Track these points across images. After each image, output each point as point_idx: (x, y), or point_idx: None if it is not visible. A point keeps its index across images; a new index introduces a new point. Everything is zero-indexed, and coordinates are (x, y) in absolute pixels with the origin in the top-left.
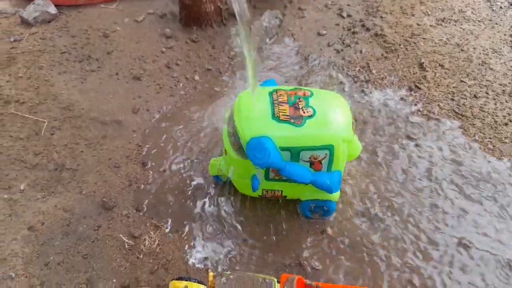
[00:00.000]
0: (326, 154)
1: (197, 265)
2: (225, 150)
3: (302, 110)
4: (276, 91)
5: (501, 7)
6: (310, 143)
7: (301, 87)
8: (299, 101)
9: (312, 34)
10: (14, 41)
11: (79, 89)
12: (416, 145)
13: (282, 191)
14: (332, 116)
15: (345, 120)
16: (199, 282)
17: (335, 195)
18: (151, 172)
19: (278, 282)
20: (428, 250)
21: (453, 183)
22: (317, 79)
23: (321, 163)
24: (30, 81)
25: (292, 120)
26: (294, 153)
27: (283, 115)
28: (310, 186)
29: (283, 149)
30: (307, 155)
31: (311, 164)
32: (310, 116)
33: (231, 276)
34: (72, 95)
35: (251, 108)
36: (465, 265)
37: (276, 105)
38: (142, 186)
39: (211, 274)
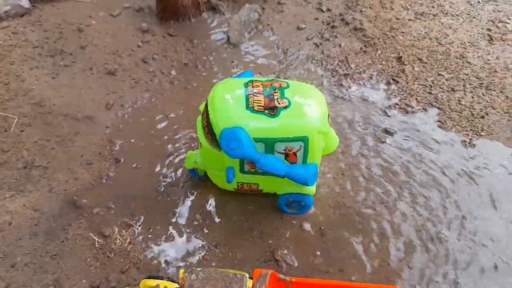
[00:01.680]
0: (300, 146)
1: (169, 264)
2: (200, 142)
3: (277, 101)
4: (251, 82)
5: (479, 1)
6: (284, 134)
7: (277, 79)
8: (275, 92)
9: (291, 28)
10: None
11: (51, 84)
12: (393, 139)
13: (258, 185)
14: (307, 108)
15: (320, 112)
16: (170, 280)
17: (312, 189)
18: (123, 168)
19: (250, 277)
20: (407, 243)
21: (427, 174)
22: (295, 73)
23: (296, 155)
24: (0, 76)
25: (266, 111)
26: (269, 144)
27: (257, 105)
28: (286, 180)
29: (257, 140)
30: (281, 147)
31: (286, 156)
32: (285, 108)
33: (201, 273)
34: (44, 90)
35: (225, 99)
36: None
37: (251, 96)
38: (114, 183)
39: (181, 271)
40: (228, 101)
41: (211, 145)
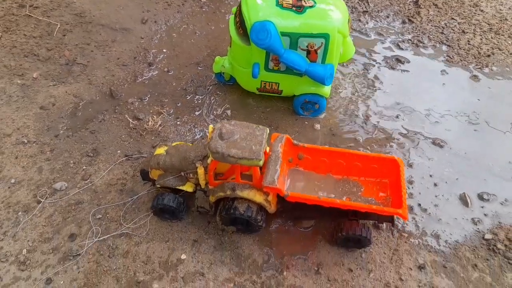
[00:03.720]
0: (322, 43)
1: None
2: (231, 41)
3: (304, 1)
4: None
5: None
6: (308, 30)
7: None
8: None
9: None
10: None
11: (90, 0)
12: (403, 69)
13: (279, 84)
14: (330, 10)
15: (341, 16)
16: None
17: (326, 91)
18: (156, 71)
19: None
20: (400, 141)
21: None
22: None
23: (317, 53)
24: None
25: (294, 8)
26: (293, 38)
27: (286, 3)
28: (304, 80)
29: (284, 34)
30: (304, 43)
31: (308, 53)
32: (311, 7)
33: (228, 124)
34: (84, 4)
35: None
36: None
37: None
38: (147, 82)
39: (211, 126)
40: None
41: (241, 40)
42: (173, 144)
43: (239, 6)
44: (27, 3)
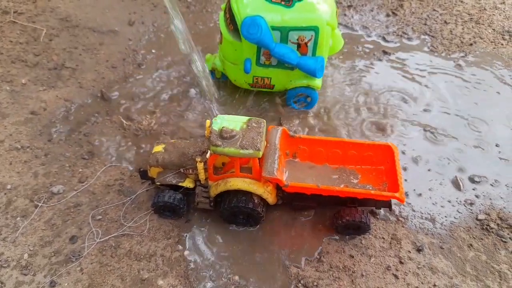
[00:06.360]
0: (312, 35)
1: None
2: (221, 38)
3: None
4: None
5: None
6: (298, 23)
7: None
8: None
9: None
10: None
11: (76, 4)
12: (390, 59)
13: (270, 79)
14: (318, 2)
15: (330, 8)
16: None
17: (318, 83)
18: (146, 72)
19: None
20: (393, 129)
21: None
22: None
23: (307, 46)
24: None
25: (283, 2)
26: (284, 32)
27: None
28: (295, 73)
29: (274, 28)
30: (295, 36)
31: (298, 46)
32: (299, 0)
33: (227, 116)
34: (69, 8)
35: None
36: None
37: None
38: (137, 83)
39: (208, 121)
40: None
41: (232, 36)
42: (171, 141)
43: (229, 2)
44: (11, 9)
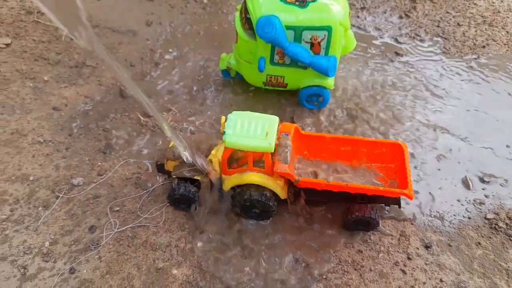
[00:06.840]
0: (325, 35)
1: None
2: (237, 37)
3: None
4: None
5: None
6: (311, 23)
7: None
8: None
9: None
10: None
11: (96, 5)
12: (401, 61)
13: (284, 78)
14: (331, 3)
15: (342, 9)
16: None
17: (330, 82)
18: (163, 71)
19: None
20: (404, 127)
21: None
22: None
23: (320, 46)
24: None
25: (297, 3)
26: (297, 32)
27: None
28: (308, 72)
29: (288, 27)
30: (308, 36)
31: (312, 46)
32: (313, 1)
33: (241, 113)
34: (90, 9)
35: None
36: None
37: None
38: (155, 81)
39: (223, 117)
40: None
41: (247, 35)
42: (187, 135)
43: (244, 3)
44: (35, 9)
